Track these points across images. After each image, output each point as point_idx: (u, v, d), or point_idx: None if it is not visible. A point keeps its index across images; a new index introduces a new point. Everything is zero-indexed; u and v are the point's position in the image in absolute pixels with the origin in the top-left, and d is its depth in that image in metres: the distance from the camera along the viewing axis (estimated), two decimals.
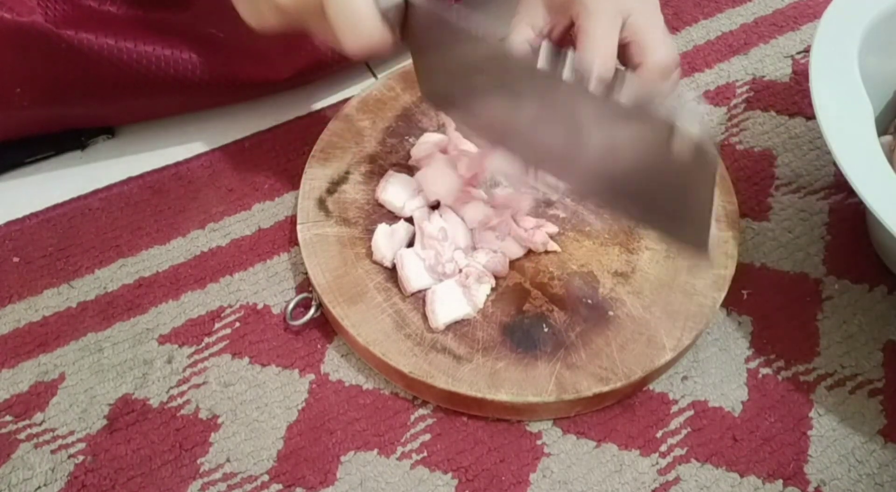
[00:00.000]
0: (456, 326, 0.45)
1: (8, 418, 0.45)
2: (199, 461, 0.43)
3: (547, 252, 0.48)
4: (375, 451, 0.44)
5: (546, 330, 0.45)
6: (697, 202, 0.39)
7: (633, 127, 0.39)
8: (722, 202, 0.51)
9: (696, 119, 0.36)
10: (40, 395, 0.46)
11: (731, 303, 0.49)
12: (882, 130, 0.44)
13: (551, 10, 0.47)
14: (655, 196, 0.41)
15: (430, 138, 0.52)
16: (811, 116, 0.59)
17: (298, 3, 0.42)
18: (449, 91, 0.47)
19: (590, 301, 0.47)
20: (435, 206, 0.50)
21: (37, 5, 0.48)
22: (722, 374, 0.47)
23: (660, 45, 0.46)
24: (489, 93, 0.44)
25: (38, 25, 0.47)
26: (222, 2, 0.53)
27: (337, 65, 0.58)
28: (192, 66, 0.52)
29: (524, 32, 0.47)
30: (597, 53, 0.45)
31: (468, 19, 0.41)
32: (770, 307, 0.49)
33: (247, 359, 0.47)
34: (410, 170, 0.52)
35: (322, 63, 0.57)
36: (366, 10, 0.41)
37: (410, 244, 0.48)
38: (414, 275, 0.46)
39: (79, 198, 0.54)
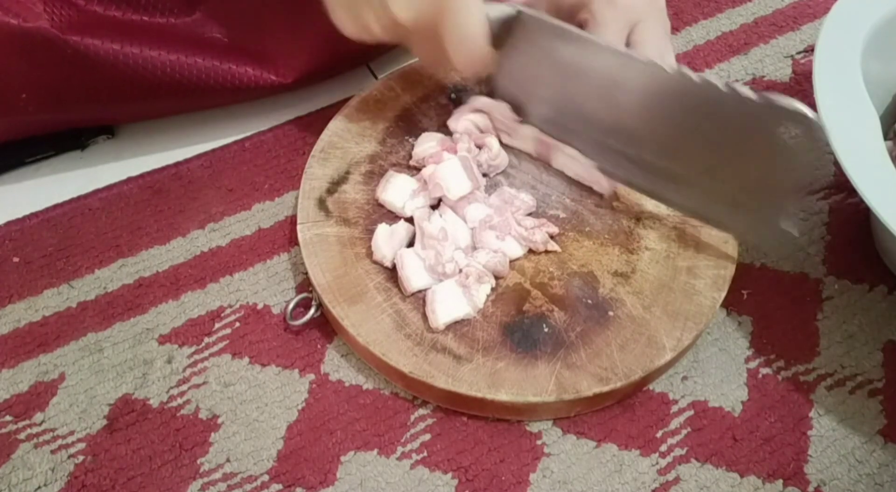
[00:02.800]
0: (456, 326, 0.45)
1: (8, 418, 0.45)
2: (199, 461, 0.43)
3: (547, 252, 0.48)
4: (375, 451, 0.44)
5: (546, 330, 0.45)
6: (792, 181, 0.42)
7: (744, 116, 0.42)
8: None
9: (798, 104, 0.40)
10: (40, 395, 0.46)
11: (731, 303, 0.49)
12: (883, 134, 0.44)
13: (559, 15, 0.47)
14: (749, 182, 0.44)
15: (431, 138, 0.52)
16: None
17: (417, 21, 0.43)
18: (539, 91, 0.50)
19: (590, 301, 0.47)
20: (435, 206, 0.50)
21: (43, 11, 0.48)
22: (722, 374, 0.47)
23: (657, 59, 0.46)
24: (591, 93, 0.47)
25: (44, 31, 0.47)
26: (226, 7, 0.54)
27: (340, 68, 0.58)
28: (196, 70, 0.52)
29: None
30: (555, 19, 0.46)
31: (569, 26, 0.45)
32: (770, 307, 0.49)
33: (247, 359, 0.47)
34: (410, 170, 0.52)
35: (325, 66, 0.57)
36: (481, 33, 0.44)
37: (410, 244, 0.48)
38: (414, 275, 0.46)
39: (79, 198, 0.54)
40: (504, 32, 0.47)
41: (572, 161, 0.51)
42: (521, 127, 0.52)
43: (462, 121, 0.52)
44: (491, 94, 0.52)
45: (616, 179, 0.50)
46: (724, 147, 0.44)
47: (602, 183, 0.50)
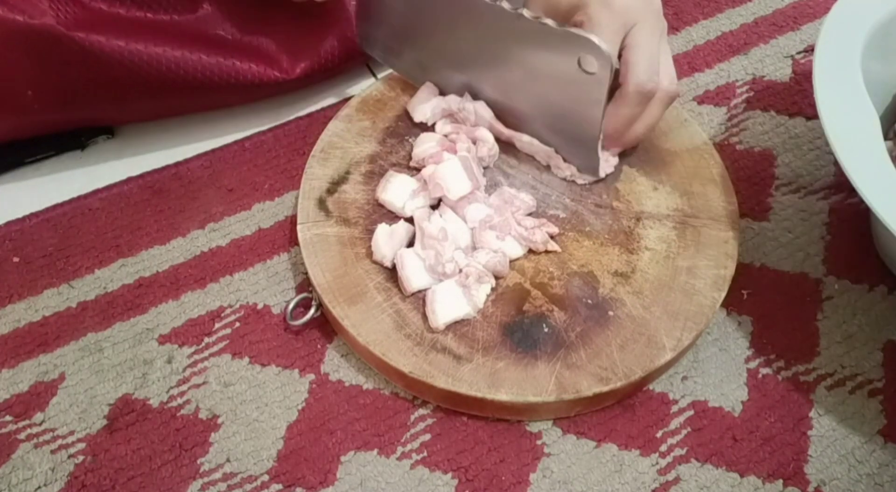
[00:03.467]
0: (456, 326, 0.45)
1: (8, 418, 0.45)
2: (199, 461, 0.43)
3: (547, 252, 0.48)
4: (375, 451, 0.44)
5: (546, 330, 0.45)
6: (592, 114, 0.47)
7: (550, 46, 0.46)
8: (722, 202, 0.51)
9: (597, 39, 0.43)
10: (40, 395, 0.46)
11: (731, 303, 0.49)
12: (883, 134, 0.44)
13: (556, 16, 0.47)
14: (562, 112, 0.49)
15: (430, 138, 0.52)
16: (811, 116, 0.59)
17: None
18: (390, 35, 0.55)
19: (590, 301, 0.47)
20: (435, 206, 0.50)
21: (48, 8, 0.48)
22: (722, 374, 0.47)
23: (644, 66, 0.46)
24: (435, 27, 0.51)
25: (50, 28, 0.47)
26: (230, 4, 0.54)
27: (343, 65, 0.58)
28: (201, 67, 0.53)
29: None
30: None
31: None
32: (770, 307, 0.49)
33: (247, 359, 0.47)
34: (410, 170, 0.52)
35: (329, 63, 0.57)
36: None
37: (410, 244, 0.48)
38: (414, 275, 0.46)
39: (79, 198, 0.54)
40: None
41: (529, 144, 0.52)
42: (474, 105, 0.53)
43: (426, 146, 0.52)
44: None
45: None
46: (537, 75, 0.48)
47: (561, 166, 0.52)
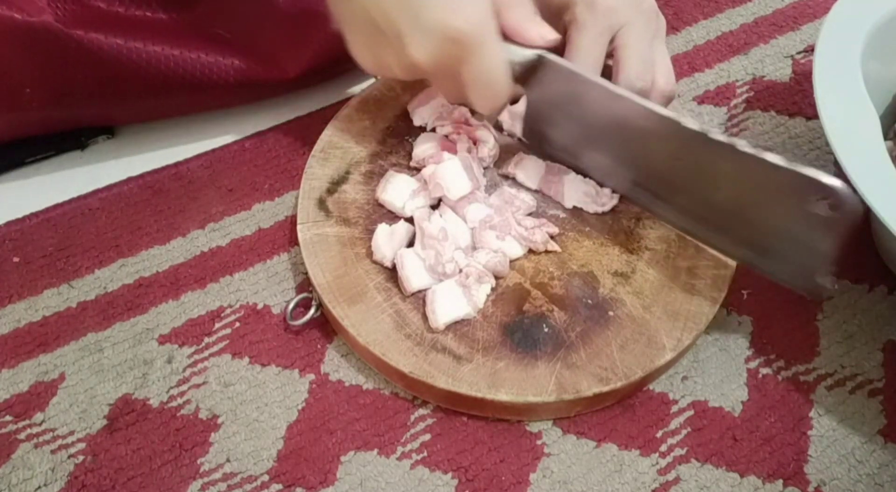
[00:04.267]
0: (456, 326, 0.45)
1: (8, 418, 0.45)
2: (199, 461, 0.43)
3: (547, 252, 0.48)
4: (375, 451, 0.44)
5: (546, 330, 0.45)
6: (826, 249, 0.41)
7: (782, 186, 0.41)
8: None
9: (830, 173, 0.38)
10: (40, 395, 0.46)
11: (731, 303, 0.49)
12: (883, 134, 0.44)
13: (546, 14, 0.47)
14: (772, 236, 0.43)
15: (430, 138, 0.52)
16: (811, 116, 0.59)
17: (438, 65, 0.43)
18: (559, 136, 0.50)
19: (590, 301, 0.47)
20: (435, 206, 0.50)
21: (47, 5, 0.48)
22: (722, 374, 0.47)
23: (634, 66, 0.46)
24: (613, 141, 0.47)
25: (49, 25, 0.47)
26: (229, 2, 0.54)
27: (343, 65, 0.58)
28: (199, 65, 0.53)
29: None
30: (577, 67, 0.46)
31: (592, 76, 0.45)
32: (770, 307, 0.49)
33: (247, 359, 0.47)
34: (410, 170, 0.52)
35: (329, 62, 0.57)
36: (503, 76, 0.44)
37: (410, 244, 0.48)
38: (414, 275, 0.46)
39: (79, 198, 0.54)
40: (526, 76, 0.46)
41: (574, 187, 0.50)
42: (525, 158, 0.52)
43: (426, 146, 0.52)
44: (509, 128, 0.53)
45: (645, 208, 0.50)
46: (752, 204, 0.43)
47: (605, 200, 0.50)
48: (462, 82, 0.44)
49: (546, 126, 0.50)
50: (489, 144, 0.51)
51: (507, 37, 0.45)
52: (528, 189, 0.51)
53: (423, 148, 0.51)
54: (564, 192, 0.50)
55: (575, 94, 0.46)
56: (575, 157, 0.50)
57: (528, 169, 0.51)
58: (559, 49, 0.47)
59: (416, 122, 0.54)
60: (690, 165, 0.44)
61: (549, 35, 0.45)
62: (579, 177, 0.50)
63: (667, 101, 0.49)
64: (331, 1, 0.46)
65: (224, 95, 0.56)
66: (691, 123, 0.43)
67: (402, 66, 0.44)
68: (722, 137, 0.42)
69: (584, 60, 0.46)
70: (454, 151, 0.50)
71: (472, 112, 0.53)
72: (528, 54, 0.46)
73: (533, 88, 0.48)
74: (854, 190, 0.40)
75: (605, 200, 0.50)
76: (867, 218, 0.52)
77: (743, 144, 0.41)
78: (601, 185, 0.50)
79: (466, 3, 0.41)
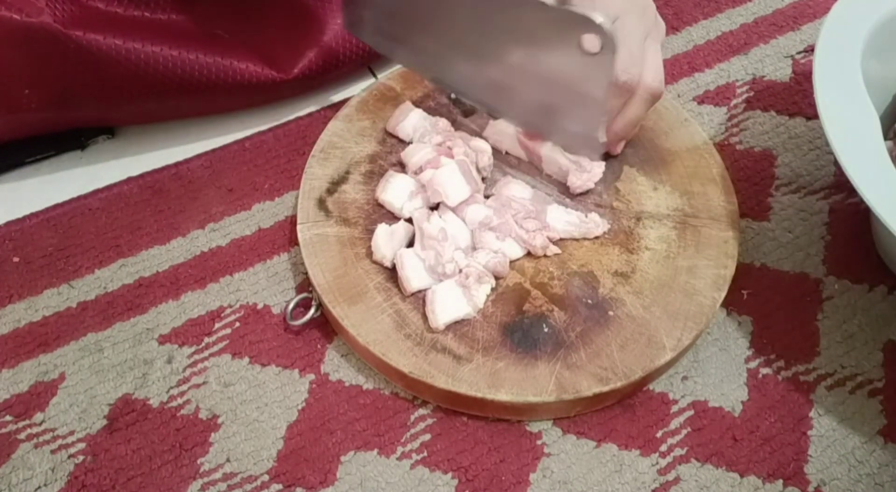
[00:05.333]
0: (456, 326, 0.45)
1: (8, 417, 0.45)
2: (199, 461, 0.43)
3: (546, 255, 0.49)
4: (375, 451, 0.44)
5: (546, 330, 0.45)
6: (594, 95, 0.45)
7: (549, 26, 0.45)
8: (722, 202, 0.51)
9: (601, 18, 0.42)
10: (40, 395, 0.46)
11: (731, 303, 0.49)
12: (883, 134, 0.44)
13: None
14: (564, 93, 0.47)
15: (422, 146, 0.52)
16: (811, 116, 0.59)
17: None
18: (379, 15, 0.53)
19: (590, 301, 0.47)
20: (435, 207, 0.50)
21: (45, 6, 0.48)
22: (722, 374, 0.47)
23: (620, 60, 0.46)
24: (428, 5, 0.50)
25: (47, 26, 0.47)
26: (227, 3, 0.54)
27: (343, 65, 0.58)
28: (198, 66, 0.53)
29: None
30: None
31: None
32: (770, 307, 0.49)
33: (247, 359, 0.47)
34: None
35: (328, 63, 0.57)
36: None
37: (410, 244, 0.48)
38: (414, 275, 0.46)
39: (79, 198, 0.54)
40: None
41: (553, 154, 0.51)
42: (496, 123, 0.52)
43: (422, 153, 0.51)
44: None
45: (466, 96, 0.53)
46: (535, 53, 0.47)
47: (587, 160, 0.51)
48: None
49: (369, 12, 0.53)
50: (487, 153, 0.51)
51: None
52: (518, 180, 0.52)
53: (419, 156, 0.51)
54: (542, 155, 0.51)
55: None
56: (392, 38, 0.53)
57: (501, 132, 0.52)
58: None
59: (403, 137, 0.54)
60: (486, 25, 0.48)
61: None
62: (562, 208, 0.50)
63: (653, 99, 0.49)
64: None
65: (223, 97, 0.56)
66: None
67: None
68: None
69: None
70: (451, 156, 0.50)
71: (454, 121, 0.54)
72: None
73: None
74: (839, 183, 0.41)
75: (590, 227, 0.50)
76: (867, 218, 0.53)
77: None
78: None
79: None
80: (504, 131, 0.52)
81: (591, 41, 0.43)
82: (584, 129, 0.48)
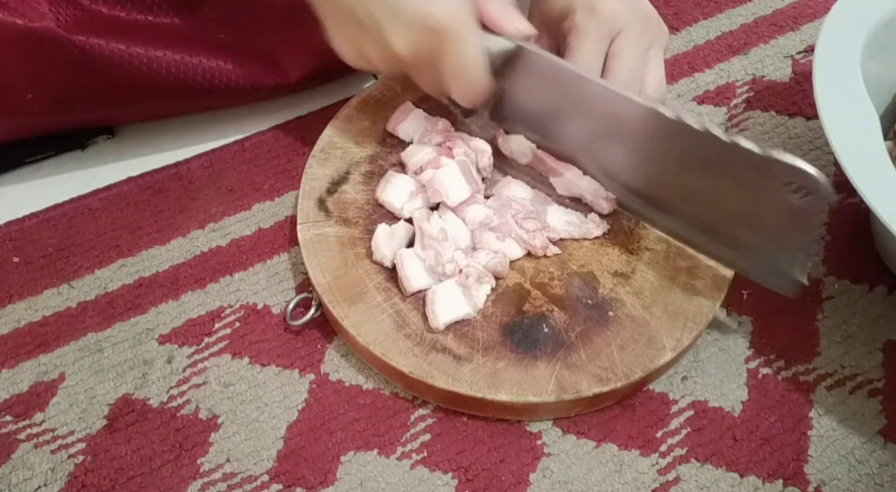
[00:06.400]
0: (456, 326, 0.45)
1: (8, 418, 0.45)
2: (199, 461, 0.43)
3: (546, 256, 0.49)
4: (375, 451, 0.44)
5: (546, 330, 0.45)
6: (801, 240, 0.42)
7: (756, 170, 0.41)
8: None
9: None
10: (40, 395, 0.46)
11: (731, 303, 0.49)
12: (883, 134, 0.44)
13: (547, 21, 0.47)
14: (756, 238, 0.44)
15: (422, 146, 0.52)
16: (811, 116, 0.59)
17: (417, 55, 0.44)
18: (536, 121, 0.50)
19: (590, 301, 0.47)
20: (435, 207, 0.50)
21: (48, 11, 0.48)
22: (722, 374, 0.47)
23: (621, 73, 0.46)
24: (590, 129, 0.47)
25: (50, 31, 0.47)
26: (230, 7, 0.54)
27: (343, 70, 0.58)
28: (201, 70, 0.53)
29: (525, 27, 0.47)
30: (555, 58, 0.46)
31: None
32: (770, 307, 0.49)
33: (247, 359, 0.47)
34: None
35: (331, 66, 0.57)
36: (481, 68, 0.44)
37: (410, 244, 0.48)
38: (414, 275, 0.46)
39: (79, 198, 0.54)
40: (504, 66, 0.46)
41: (575, 179, 0.50)
42: (511, 137, 0.51)
43: (423, 153, 0.51)
44: (491, 118, 0.52)
45: (621, 206, 0.50)
46: (728, 193, 0.43)
47: (602, 204, 0.50)
48: (441, 73, 0.44)
49: (523, 118, 0.50)
50: (487, 154, 0.51)
51: (485, 27, 0.45)
52: (523, 182, 0.51)
53: (419, 156, 0.51)
54: (549, 221, 0.49)
55: (553, 83, 0.46)
56: (552, 150, 0.50)
57: (518, 143, 0.51)
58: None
59: (403, 138, 0.54)
60: (672, 157, 0.44)
61: (525, 28, 0.46)
62: (562, 208, 0.50)
63: None
64: None
65: (224, 100, 0.56)
66: (668, 112, 0.43)
67: (383, 57, 0.44)
68: (697, 126, 0.42)
69: (584, 66, 0.46)
70: (451, 156, 0.50)
71: (454, 121, 0.53)
72: (506, 44, 0.46)
73: (511, 80, 0.48)
74: (839, 182, 0.40)
75: (590, 227, 0.49)
76: (867, 218, 0.53)
77: (718, 132, 0.41)
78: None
79: None
80: (518, 149, 0.52)
81: (800, 189, 0.39)
82: (781, 268, 0.44)
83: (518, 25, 0.45)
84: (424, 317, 0.46)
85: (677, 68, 0.62)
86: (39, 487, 0.43)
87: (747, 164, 0.41)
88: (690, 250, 0.48)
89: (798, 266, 0.43)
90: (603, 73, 0.47)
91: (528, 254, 0.49)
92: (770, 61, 0.63)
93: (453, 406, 0.45)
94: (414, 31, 0.42)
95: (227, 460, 0.44)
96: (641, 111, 0.44)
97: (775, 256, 0.43)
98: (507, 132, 0.52)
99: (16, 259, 0.51)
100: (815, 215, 0.41)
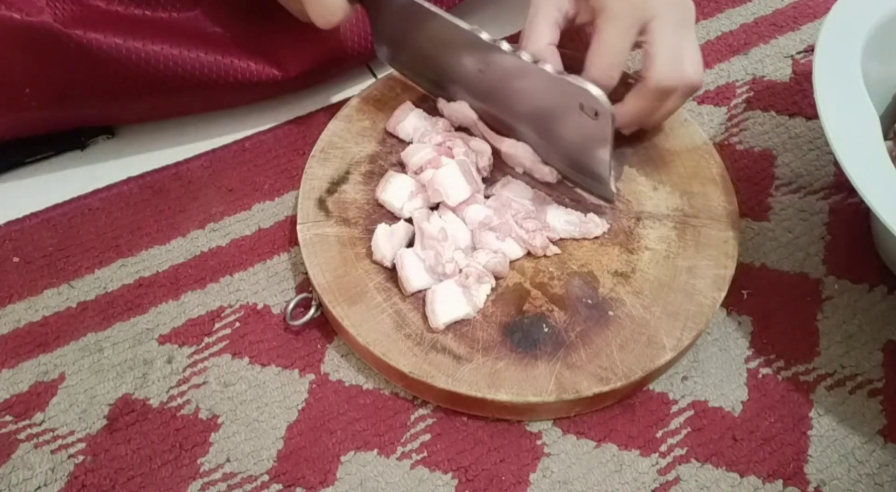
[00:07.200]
0: (456, 326, 0.45)
1: (8, 417, 0.45)
2: (199, 461, 0.44)
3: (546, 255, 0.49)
4: (375, 451, 0.44)
5: (546, 330, 0.45)
6: (599, 154, 0.47)
7: (557, 93, 0.46)
8: (722, 202, 0.51)
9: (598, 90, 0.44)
10: (40, 395, 0.46)
11: (731, 303, 0.49)
12: (883, 134, 0.44)
13: (577, 3, 0.47)
14: (572, 150, 0.49)
15: (422, 146, 0.52)
16: (811, 116, 0.59)
17: None
18: (404, 53, 0.55)
19: (590, 301, 0.47)
20: (435, 207, 0.50)
21: (45, 5, 0.48)
22: (722, 374, 0.47)
23: (664, 60, 0.46)
24: (446, 59, 0.51)
25: (48, 25, 0.47)
26: (228, 2, 0.54)
27: (344, 63, 0.58)
28: (199, 65, 0.52)
29: (550, 13, 0.47)
30: (601, 58, 0.46)
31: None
32: (770, 307, 0.49)
33: (247, 359, 0.47)
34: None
35: (329, 62, 0.57)
36: None
37: (410, 244, 0.48)
38: (414, 275, 0.46)
39: (79, 198, 0.54)
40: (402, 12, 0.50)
41: (510, 149, 0.52)
42: (453, 105, 0.53)
43: (422, 153, 0.51)
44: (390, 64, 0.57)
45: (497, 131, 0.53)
46: (546, 114, 0.48)
47: (544, 170, 0.51)
48: None
49: (391, 43, 0.55)
50: (487, 154, 0.51)
51: None
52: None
53: (419, 156, 0.51)
54: (549, 221, 0.50)
55: (410, 16, 0.50)
56: (419, 74, 0.55)
57: (461, 111, 0.53)
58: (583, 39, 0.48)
59: (403, 137, 0.54)
60: (496, 77, 0.49)
61: None
62: (562, 208, 0.51)
63: (693, 91, 0.50)
64: None
65: (224, 96, 0.56)
66: (485, 35, 0.47)
67: None
68: (506, 47, 0.46)
69: (611, 52, 0.46)
70: (452, 156, 0.50)
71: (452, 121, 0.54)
72: None
73: (373, 6, 0.52)
74: (839, 182, 0.41)
75: (590, 227, 0.50)
76: (867, 218, 0.53)
77: (525, 55, 0.46)
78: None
79: None
80: (462, 117, 0.53)
81: (590, 107, 0.44)
82: (594, 178, 0.49)
83: None
84: (424, 317, 0.46)
85: None
86: (39, 487, 0.43)
87: (552, 87, 0.46)
88: (690, 250, 0.48)
89: (607, 178, 0.48)
90: (643, 61, 0.47)
91: (528, 254, 0.49)
92: (770, 61, 0.63)
93: (453, 406, 0.45)
94: None
95: (227, 460, 0.44)
96: (465, 35, 0.48)
97: (592, 169, 0.48)
98: (449, 100, 0.54)
99: (16, 259, 0.51)
100: (604, 133, 0.45)
